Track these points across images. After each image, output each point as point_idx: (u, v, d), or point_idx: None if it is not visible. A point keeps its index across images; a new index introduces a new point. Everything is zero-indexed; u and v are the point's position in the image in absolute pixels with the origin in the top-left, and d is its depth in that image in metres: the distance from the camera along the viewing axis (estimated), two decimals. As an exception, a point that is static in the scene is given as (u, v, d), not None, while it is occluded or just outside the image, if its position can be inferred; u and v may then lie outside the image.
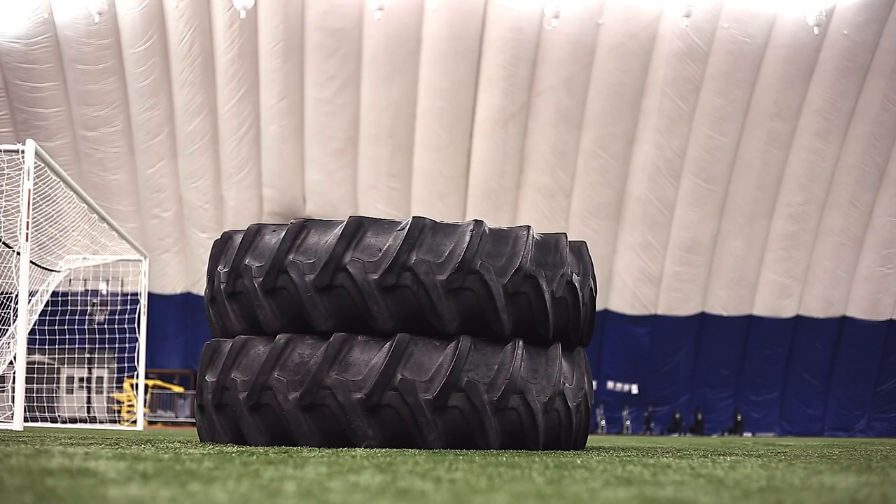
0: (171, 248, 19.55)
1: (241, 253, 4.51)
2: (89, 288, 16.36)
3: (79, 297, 14.94)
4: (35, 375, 13.51)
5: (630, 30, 17.97)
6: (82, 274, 15.21)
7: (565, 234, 4.65)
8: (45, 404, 13.34)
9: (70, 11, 17.18)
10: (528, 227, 4.44)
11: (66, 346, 13.98)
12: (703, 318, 20.82)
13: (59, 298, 13.36)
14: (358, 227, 4.27)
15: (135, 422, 13.38)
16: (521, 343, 4.32)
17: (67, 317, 13.40)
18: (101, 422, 16.25)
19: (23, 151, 7.83)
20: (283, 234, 4.38)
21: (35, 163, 7.89)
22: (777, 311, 20.90)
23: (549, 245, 4.51)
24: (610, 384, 21.02)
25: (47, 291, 11.90)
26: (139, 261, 13.24)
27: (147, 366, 14.46)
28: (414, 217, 4.30)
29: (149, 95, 18.04)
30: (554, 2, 17.21)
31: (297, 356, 4.25)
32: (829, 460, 3.64)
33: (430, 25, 17.69)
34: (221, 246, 4.75)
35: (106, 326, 14.07)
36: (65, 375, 16.84)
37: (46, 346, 13.94)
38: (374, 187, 19.08)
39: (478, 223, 4.32)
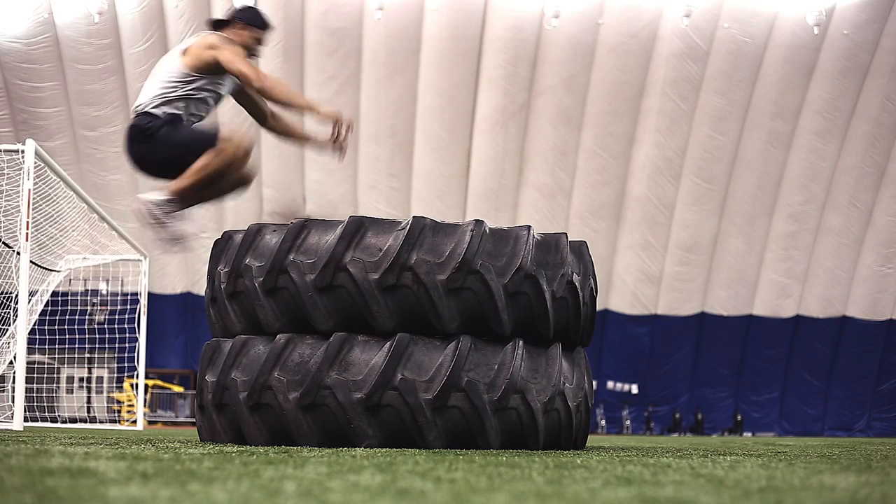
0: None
1: (241, 253, 4.51)
2: (89, 288, 16.36)
3: (79, 297, 14.94)
4: (35, 375, 13.51)
5: (630, 29, 17.97)
6: (82, 274, 15.21)
7: (566, 233, 4.65)
8: (45, 404, 13.34)
9: (70, 11, 17.18)
10: (529, 227, 4.44)
11: (66, 346, 13.98)
12: (703, 318, 20.82)
13: (59, 298, 13.36)
14: (358, 227, 4.27)
15: (135, 422, 13.38)
16: (521, 343, 4.32)
17: (67, 317, 13.39)
18: (101, 422, 16.25)
19: (23, 151, 7.83)
20: (284, 234, 4.38)
21: (35, 163, 7.89)
22: (777, 310, 20.90)
23: (550, 245, 4.51)
24: (610, 384, 21.02)
25: (47, 291, 11.90)
26: (139, 261, 13.25)
27: (147, 366, 14.46)
28: (414, 217, 4.29)
29: (149, 95, 18.03)
30: (554, 2, 17.21)
31: (298, 356, 4.26)
32: (829, 460, 3.64)
33: (430, 25, 17.70)
34: (222, 246, 4.75)
35: (106, 326, 14.07)
36: (65, 375, 16.83)
37: (46, 346, 13.94)
38: (374, 187, 19.09)
39: (478, 223, 4.32)
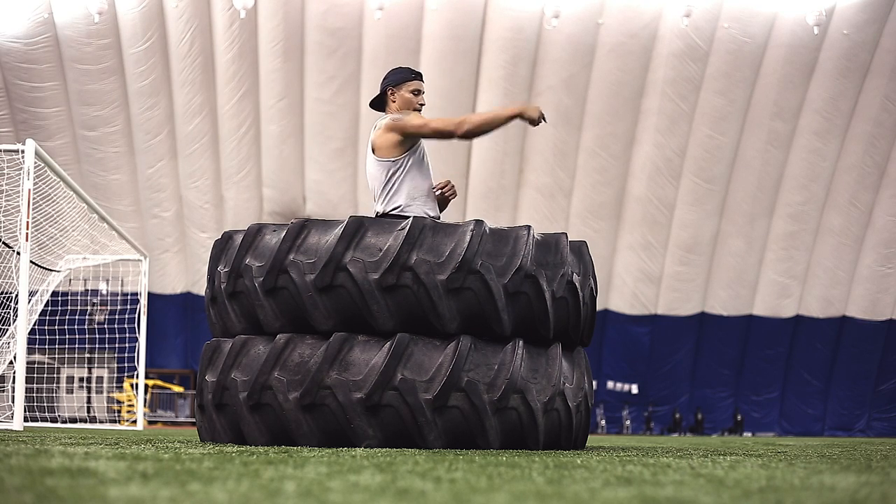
0: (171, 248, 19.55)
1: (241, 253, 4.51)
2: (89, 288, 16.36)
3: (79, 297, 14.94)
4: (35, 375, 13.51)
5: (630, 29, 17.97)
6: (82, 274, 15.21)
7: (566, 233, 4.65)
8: (45, 404, 13.34)
9: (70, 11, 17.18)
10: (529, 227, 4.44)
11: (66, 346, 13.98)
12: (703, 318, 20.82)
13: (59, 298, 13.36)
14: (358, 226, 4.27)
15: (135, 422, 13.38)
16: (521, 343, 4.32)
17: (67, 317, 13.39)
18: (101, 422, 16.25)
19: (23, 151, 7.83)
20: (284, 233, 4.38)
21: (35, 163, 7.89)
22: (777, 310, 20.90)
23: (550, 245, 4.51)
24: (610, 384, 21.02)
25: (47, 291, 11.90)
26: (139, 261, 13.24)
27: (147, 366, 14.46)
28: (414, 217, 4.30)
29: (149, 95, 18.03)
30: (554, 2, 17.20)
31: (298, 356, 4.26)
32: (829, 460, 3.64)
33: (430, 25, 17.69)
34: (222, 246, 4.75)
35: (106, 326, 14.07)
36: (65, 375, 16.84)
37: (46, 346, 13.94)
38: (375, 187, 19.07)
39: (478, 223, 4.33)
